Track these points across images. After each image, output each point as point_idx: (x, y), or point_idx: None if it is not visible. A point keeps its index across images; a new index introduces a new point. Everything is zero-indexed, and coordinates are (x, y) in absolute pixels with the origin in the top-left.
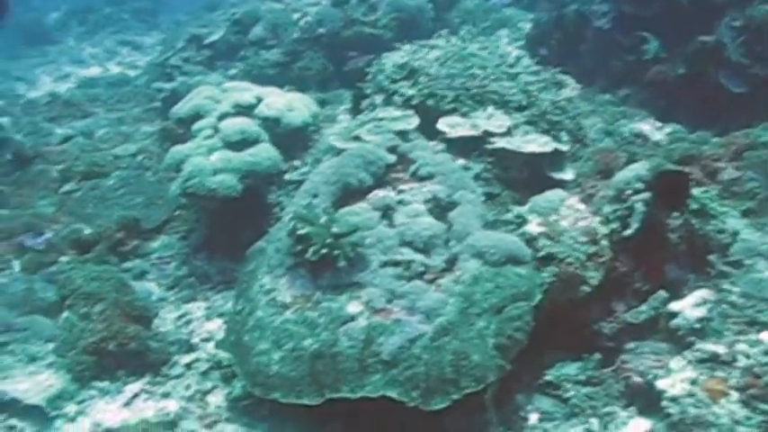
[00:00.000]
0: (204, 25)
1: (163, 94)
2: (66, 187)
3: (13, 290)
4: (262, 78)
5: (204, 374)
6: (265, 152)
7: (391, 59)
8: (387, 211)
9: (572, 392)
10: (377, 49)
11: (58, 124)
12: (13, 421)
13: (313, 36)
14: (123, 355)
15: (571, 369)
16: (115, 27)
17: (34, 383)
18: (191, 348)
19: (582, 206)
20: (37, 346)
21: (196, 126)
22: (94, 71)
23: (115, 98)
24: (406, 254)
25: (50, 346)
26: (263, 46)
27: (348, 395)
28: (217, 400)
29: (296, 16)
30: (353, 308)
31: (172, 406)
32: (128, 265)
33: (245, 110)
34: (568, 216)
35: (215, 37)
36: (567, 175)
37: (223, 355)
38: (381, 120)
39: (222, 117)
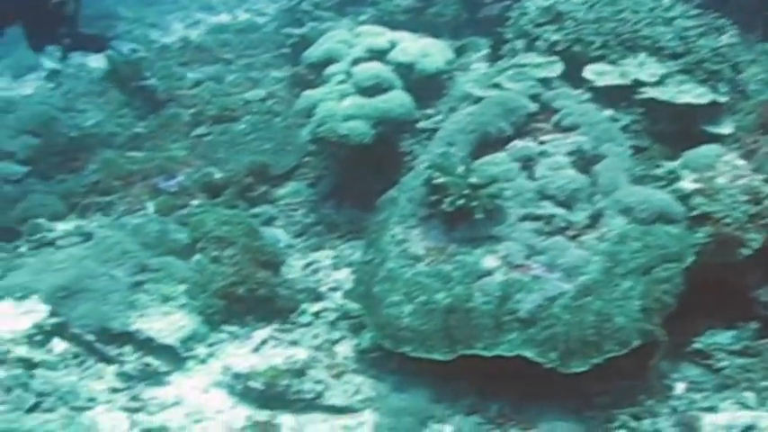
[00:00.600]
0: None
1: (292, 40)
2: (198, 131)
3: (148, 231)
4: (393, 24)
5: (332, 324)
6: (398, 99)
7: (535, 2)
8: (527, 163)
9: (724, 363)
10: None
11: (190, 69)
12: (149, 359)
13: None
14: (252, 300)
15: (724, 338)
16: None
17: (168, 323)
18: (318, 297)
19: (741, 162)
20: (170, 286)
21: (328, 71)
22: (224, 18)
23: (244, 44)
24: (547, 208)
25: (183, 287)
26: None
27: (481, 353)
28: (345, 350)
29: None
30: (490, 262)
31: (300, 354)
32: (256, 210)
33: (378, 54)
34: (726, 173)
35: None
36: (725, 128)
37: (352, 305)
38: (523, 66)
39: (355, 62)
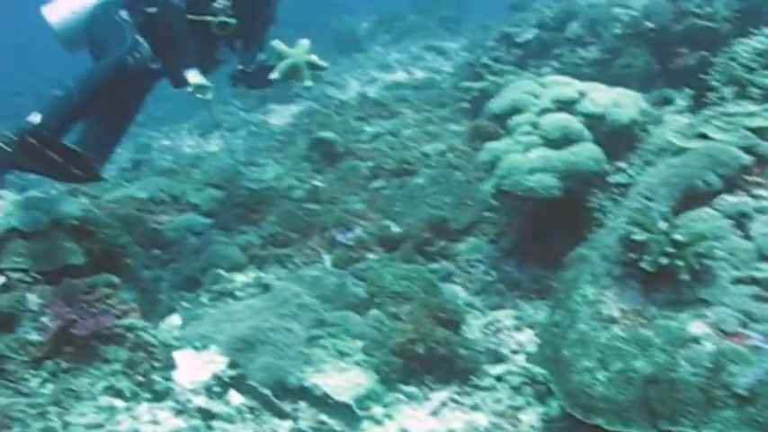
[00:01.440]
0: (516, 24)
1: (471, 95)
2: (375, 184)
3: (326, 284)
4: (577, 77)
5: (516, 389)
6: (588, 151)
7: (748, 45)
8: (740, 219)
9: None
10: (710, 44)
11: (368, 123)
12: (323, 416)
13: (637, 31)
14: (431, 359)
15: None
16: (420, 34)
17: (343, 380)
18: (500, 359)
19: None
20: (347, 342)
21: (513, 122)
22: (400, 76)
23: (422, 99)
24: (767, 271)
25: (359, 343)
26: (579, 43)
27: (689, 431)
28: (530, 419)
29: (618, 11)
30: (697, 329)
31: (481, 420)
32: (434, 266)
33: (565, 105)
34: None
35: (528, 36)
36: None
37: (537, 369)
38: (732, 115)
39: (542, 112)
